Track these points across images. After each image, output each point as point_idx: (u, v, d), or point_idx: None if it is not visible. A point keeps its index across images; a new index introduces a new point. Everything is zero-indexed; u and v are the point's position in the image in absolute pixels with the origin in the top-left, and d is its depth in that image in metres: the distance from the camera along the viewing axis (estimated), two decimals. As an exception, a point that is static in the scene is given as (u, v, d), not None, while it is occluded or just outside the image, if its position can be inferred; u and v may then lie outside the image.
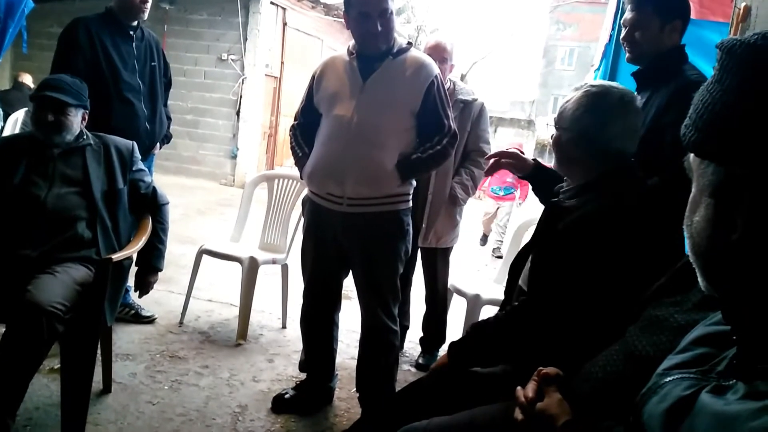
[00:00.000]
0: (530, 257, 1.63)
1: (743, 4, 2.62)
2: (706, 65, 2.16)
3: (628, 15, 2.11)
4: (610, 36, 4.35)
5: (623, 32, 2.14)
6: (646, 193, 1.56)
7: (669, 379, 0.67)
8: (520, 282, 1.66)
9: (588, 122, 1.52)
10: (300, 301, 2.49)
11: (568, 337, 1.38)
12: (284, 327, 3.41)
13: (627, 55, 2.16)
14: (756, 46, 0.54)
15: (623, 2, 3.43)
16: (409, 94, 2.21)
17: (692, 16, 2.21)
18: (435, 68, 2.28)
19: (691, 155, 0.63)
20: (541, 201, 1.90)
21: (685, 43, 2.16)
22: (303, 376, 2.60)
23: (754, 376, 0.54)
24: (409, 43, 2.33)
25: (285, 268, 3.37)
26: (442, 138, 2.24)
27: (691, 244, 0.63)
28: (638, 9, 2.07)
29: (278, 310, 3.47)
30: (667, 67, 2.07)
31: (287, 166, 9.50)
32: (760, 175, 0.53)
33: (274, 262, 3.32)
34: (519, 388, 1.24)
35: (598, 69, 5.02)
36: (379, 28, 2.15)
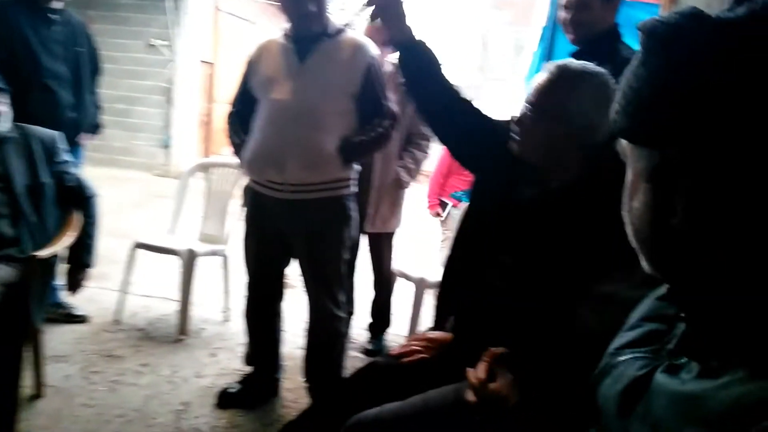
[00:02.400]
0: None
1: (672, -15, 2.68)
2: (637, 46, 2.21)
3: None
4: (548, 17, 4.41)
5: (565, 13, 2.14)
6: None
7: (621, 359, 0.66)
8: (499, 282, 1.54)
9: (590, 116, 1.36)
10: (242, 292, 2.42)
11: (522, 314, 1.37)
12: (227, 320, 3.32)
13: (570, 36, 2.17)
14: (678, 26, 0.53)
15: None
16: (346, 76, 2.16)
17: (624, -4, 2.24)
18: (372, 50, 2.24)
19: (622, 141, 0.61)
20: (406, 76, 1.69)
21: (618, 22, 2.19)
22: (248, 369, 2.53)
23: (706, 354, 0.54)
24: (346, 25, 2.27)
25: (225, 260, 3.28)
26: (382, 120, 2.21)
27: (632, 231, 0.62)
28: None
29: (220, 303, 3.38)
30: (605, 46, 2.10)
31: (224, 154, 9.26)
32: (694, 156, 0.52)
33: (213, 253, 3.22)
34: (469, 369, 1.23)
35: (536, 52, 5.09)
36: (313, 9, 2.08)
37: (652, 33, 0.55)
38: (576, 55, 2.15)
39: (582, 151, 1.43)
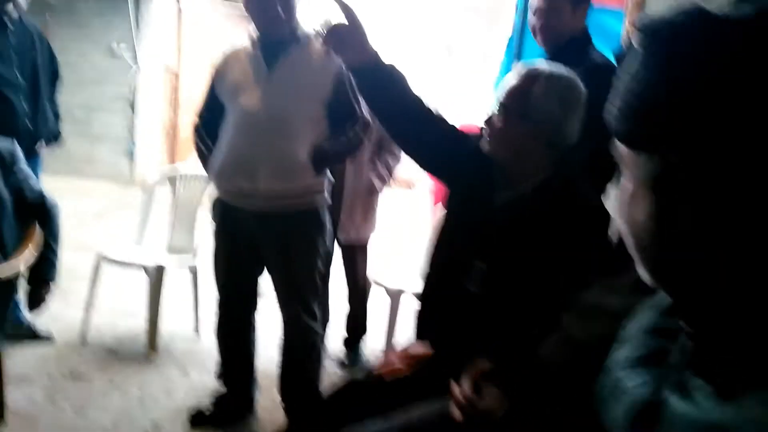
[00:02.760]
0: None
1: (639, -10, 2.71)
2: (603, 50, 2.21)
3: (540, 2, 2.11)
4: (514, 26, 4.43)
5: (535, 19, 2.13)
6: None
7: (625, 376, 0.63)
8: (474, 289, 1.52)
9: (556, 115, 1.42)
10: (213, 306, 2.34)
11: (506, 325, 1.34)
12: (198, 335, 3.22)
13: (539, 41, 2.16)
14: (682, 25, 0.50)
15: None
16: (317, 82, 2.12)
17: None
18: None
19: (619, 146, 0.58)
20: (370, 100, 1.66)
21: (587, 26, 2.19)
22: (222, 386, 2.45)
23: (722, 375, 0.51)
24: (315, 30, 2.22)
25: (195, 272, 3.18)
26: (354, 126, 2.17)
27: (632, 241, 0.58)
28: None
29: (190, 318, 3.28)
30: (576, 50, 2.09)
31: (190, 163, 9.09)
32: (700, 162, 0.49)
33: (182, 266, 3.13)
34: (454, 384, 1.19)
35: (503, 60, 5.11)
36: (281, 13, 2.03)
37: (655, 33, 0.52)
38: (547, 60, 2.15)
39: (550, 151, 1.46)
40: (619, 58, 2.28)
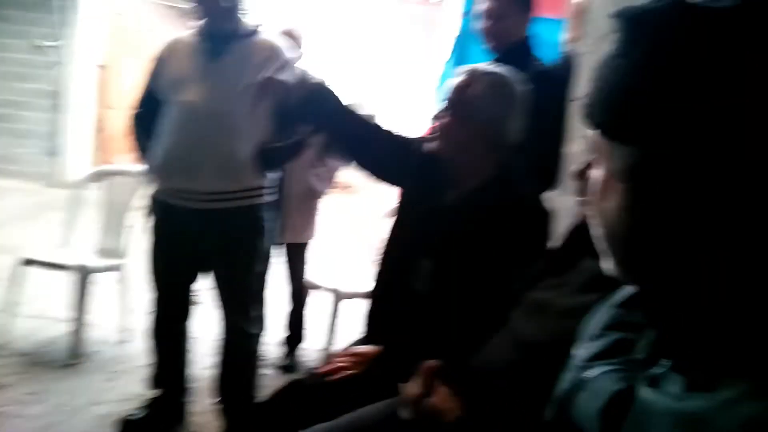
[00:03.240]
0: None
1: (579, 0, 2.79)
2: (543, 57, 2.27)
3: (486, 5, 2.14)
4: (460, 29, 4.49)
5: (482, 23, 2.16)
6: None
7: (594, 372, 0.62)
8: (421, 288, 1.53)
9: (498, 112, 1.48)
10: (143, 310, 2.24)
11: (453, 326, 1.33)
12: (125, 341, 3.07)
13: (485, 45, 2.19)
14: (664, 15, 0.50)
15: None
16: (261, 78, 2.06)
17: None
18: (288, 52, 2.15)
19: (595, 137, 0.57)
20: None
21: (532, 34, 2.24)
22: (152, 393, 2.33)
23: (689, 365, 0.50)
24: (258, 26, 2.17)
25: (123, 276, 3.04)
26: (299, 127, 2.11)
27: (603, 232, 0.57)
28: None
29: (117, 323, 3.12)
30: (520, 57, 2.13)
31: (121, 162, 8.74)
32: (678, 154, 0.48)
33: (110, 268, 2.98)
34: (404, 384, 1.16)
35: (448, 62, 5.17)
36: (224, 5, 1.98)
37: (637, 22, 0.51)
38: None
39: (494, 150, 1.51)
40: (559, 65, 2.34)
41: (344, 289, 2.82)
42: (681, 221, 0.49)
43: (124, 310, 3.08)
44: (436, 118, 1.53)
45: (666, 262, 0.52)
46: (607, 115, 0.53)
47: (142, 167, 2.19)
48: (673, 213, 0.50)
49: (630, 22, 0.52)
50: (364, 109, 1.76)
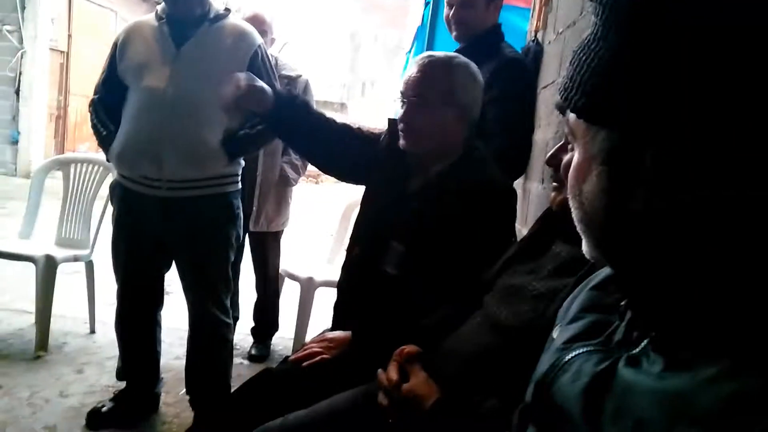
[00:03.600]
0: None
1: (546, -11, 2.81)
2: (512, 45, 2.29)
3: None
4: (423, 18, 4.49)
5: (450, 11, 2.16)
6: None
7: (574, 354, 0.63)
8: (392, 271, 1.53)
9: (472, 96, 1.51)
10: (111, 301, 2.19)
11: (425, 308, 1.34)
12: (93, 332, 3.02)
13: (454, 33, 2.19)
14: None
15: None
16: (230, 63, 2.01)
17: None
18: (258, 37, 2.12)
19: (573, 121, 0.57)
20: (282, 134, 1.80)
21: (501, 22, 2.25)
22: (122, 384, 2.30)
23: (668, 344, 0.51)
24: (227, 9, 2.13)
25: (90, 266, 2.98)
26: (270, 113, 2.09)
27: (580, 215, 0.58)
28: None
29: (84, 314, 3.06)
30: (489, 44, 2.14)
31: (81, 150, 8.51)
32: (658, 137, 0.48)
33: (75, 259, 2.92)
34: (380, 370, 1.17)
35: (409, 52, 5.16)
36: None
37: (615, 5, 0.52)
38: (460, 53, 2.18)
39: (468, 131, 1.53)
40: (526, 53, 2.36)
41: (318, 277, 2.81)
42: (658, 202, 0.50)
43: (91, 300, 3.02)
44: (403, 114, 1.52)
45: (644, 243, 0.52)
46: (586, 98, 0.53)
47: (104, 155, 2.14)
48: (651, 194, 0.50)
49: (609, 4, 0.52)
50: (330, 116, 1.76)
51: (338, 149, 1.70)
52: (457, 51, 2.19)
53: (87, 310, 3.04)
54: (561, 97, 0.57)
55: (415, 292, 1.43)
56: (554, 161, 0.92)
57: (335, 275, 2.67)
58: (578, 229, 0.60)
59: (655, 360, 0.52)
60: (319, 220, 6.98)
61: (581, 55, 0.54)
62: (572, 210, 0.59)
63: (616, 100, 0.51)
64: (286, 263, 3.05)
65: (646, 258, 0.53)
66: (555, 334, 0.71)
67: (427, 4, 4.24)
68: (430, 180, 1.51)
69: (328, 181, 12.05)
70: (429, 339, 1.21)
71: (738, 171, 0.46)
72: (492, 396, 0.98)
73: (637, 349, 0.55)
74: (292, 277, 2.91)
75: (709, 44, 0.46)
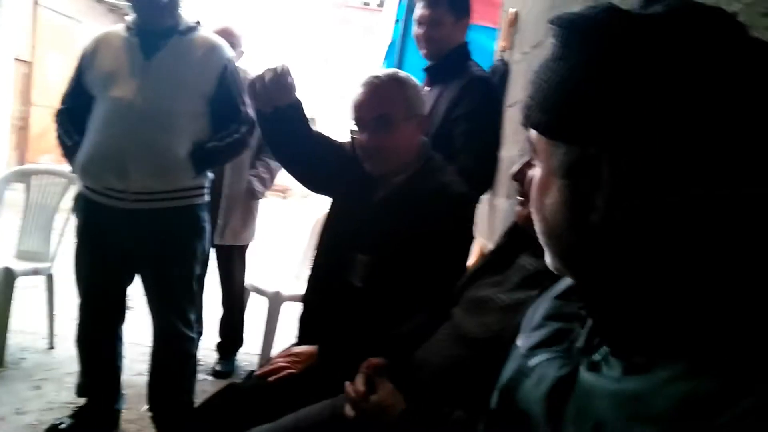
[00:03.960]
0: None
1: (512, 10, 2.88)
2: (479, 64, 2.34)
3: (423, 12, 2.17)
4: (393, 36, 4.54)
5: (419, 29, 2.20)
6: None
7: (537, 360, 0.65)
8: (357, 283, 1.54)
9: (422, 103, 1.56)
10: (72, 315, 2.14)
11: (394, 324, 1.35)
12: (52, 347, 2.94)
13: (423, 51, 2.23)
14: (599, 20, 0.53)
15: (407, 2, 3.59)
16: (200, 76, 2.02)
17: (467, 19, 2.35)
18: (228, 51, 2.12)
19: (534, 137, 0.60)
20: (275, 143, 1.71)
21: (469, 42, 2.30)
22: (81, 401, 2.24)
23: (627, 351, 0.53)
24: (198, 22, 2.13)
25: (50, 279, 2.91)
26: (239, 126, 2.08)
27: (543, 228, 0.60)
28: (434, 6, 2.14)
29: (43, 329, 2.98)
30: (457, 62, 2.18)
31: (43, 162, 8.31)
32: (615, 152, 0.51)
33: (35, 272, 2.85)
34: (347, 382, 1.17)
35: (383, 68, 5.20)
36: (164, 0, 1.92)
37: (572, 27, 0.54)
38: (429, 70, 2.22)
39: (415, 144, 1.54)
40: (494, 72, 2.42)
41: (285, 292, 2.79)
42: (616, 214, 0.52)
43: (51, 315, 2.94)
44: (361, 140, 1.52)
45: (602, 253, 0.55)
46: (546, 115, 0.55)
47: (68, 166, 2.10)
48: (609, 206, 0.53)
49: (567, 27, 0.55)
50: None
51: (316, 159, 1.67)
52: (425, 69, 2.24)
53: (46, 324, 2.96)
54: (523, 115, 0.59)
55: (381, 304, 1.44)
56: (519, 176, 0.95)
57: (303, 290, 2.67)
58: (541, 241, 0.62)
59: (614, 365, 0.54)
60: (286, 235, 6.93)
61: (541, 74, 0.57)
62: (535, 223, 0.62)
63: (574, 117, 0.53)
64: (252, 278, 3.02)
65: (605, 268, 0.55)
66: (519, 341, 0.73)
67: (397, 21, 4.29)
68: (392, 190, 1.53)
69: (296, 195, 12.02)
70: (397, 351, 1.22)
71: (689, 178, 0.49)
72: (459, 407, 0.99)
73: (598, 355, 0.57)
74: (259, 292, 2.88)
75: (659, 65, 0.49)
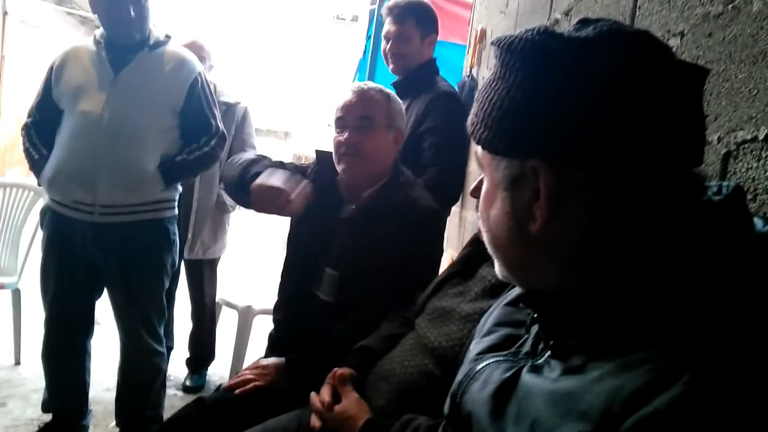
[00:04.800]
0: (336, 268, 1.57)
1: (480, 27, 2.95)
2: (448, 80, 2.39)
3: (390, 28, 2.22)
4: (364, 50, 4.59)
5: (387, 45, 2.24)
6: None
7: (485, 363, 0.68)
8: (325, 297, 1.56)
9: (402, 117, 1.61)
10: (38, 331, 2.11)
11: (361, 335, 1.36)
12: (18, 363, 2.89)
13: (390, 66, 2.27)
14: (535, 43, 0.56)
15: (377, 17, 3.65)
16: (169, 90, 2.03)
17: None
18: (198, 64, 2.13)
19: (480, 152, 0.63)
20: None
21: (436, 57, 2.34)
22: (47, 417, 2.20)
23: (566, 352, 0.56)
24: (168, 36, 2.14)
25: (16, 294, 2.86)
26: (209, 139, 2.09)
27: (489, 238, 0.64)
28: (401, 22, 2.19)
29: (9, 344, 2.93)
30: (425, 77, 2.23)
31: (10, 175, 8.17)
32: (552, 165, 0.55)
33: (1, 287, 2.80)
34: (313, 393, 1.19)
35: (352, 82, 5.26)
36: (132, 14, 1.93)
37: (509, 49, 0.58)
38: (397, 85, 2.26)
39: (384, 159, 1.58)
40: (462, 87, 2.48)
41: (256, 305, 2.78)
42: (552, 223, 0.56)
43: (16, 330, 2.89)
44: (346, 141, 1.54)
45: (541, 262, 0.58)
46: (488, 131, 0.59)
47: (35, 179, 2.09)
48: (545, 216, 0.56)
49: (506, 49, 0.58)
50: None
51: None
52: (393, 84, 2.27)
53: (12, 340, 2.90)
54: (469, 132, 0.62)
55: (349, 317, 1.46)
56: (476, 193, 0.98)
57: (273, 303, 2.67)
58: (489, 251, 0.65)
59: (555, 367, 0.57)
60: (258, 248, 6.91)
61: (484, 93, 0.60)
62: (483, 234, 0.65)
63: (513, 133, 0.56)
64: (223, 291, 3.01)
65: (545, 275, 0.58)
66: (471, 346, 0.76)
67: (368, 37, 4.35)
68: (360, 205, 1.55)
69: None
70: (362, 361, 1.24)
71: (620, 185, 0.53)
72: (422, 415, 1.01)
73: (542, 359, 0.60)
74: (230, 306, 2.87)
75: (589, 83, 0.53)
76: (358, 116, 1.54)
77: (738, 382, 0.44)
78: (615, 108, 0.52)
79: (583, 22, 0.58)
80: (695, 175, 0.57)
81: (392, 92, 1.61)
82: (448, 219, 2.47)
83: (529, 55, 0.56)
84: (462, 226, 2.60)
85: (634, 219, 0.53)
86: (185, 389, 2.86)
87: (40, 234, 2.17)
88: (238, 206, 2.94)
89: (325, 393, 1.16)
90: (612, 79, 0.52)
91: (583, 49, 0.54)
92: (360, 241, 1.49)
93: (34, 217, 2.49)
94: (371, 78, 3.84)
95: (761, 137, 0.89)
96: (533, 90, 0.55)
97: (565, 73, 0.54)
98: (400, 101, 1.63)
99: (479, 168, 0.67)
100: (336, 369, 1.19)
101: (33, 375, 2.65)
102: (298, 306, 1.61)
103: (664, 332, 0.49)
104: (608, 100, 0.52)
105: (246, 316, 2.76)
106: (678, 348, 0.47)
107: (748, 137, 0.92)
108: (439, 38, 2.38)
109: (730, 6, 0.99)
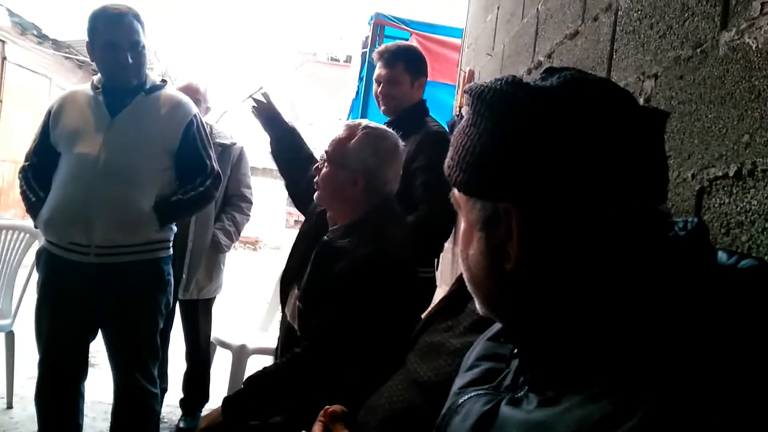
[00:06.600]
0: (298, 297, 1.59)
1: (468, 69, 3.03)
2: (438, 119, 2.45)
3: (381, 71, 2.28)
4: (357, 91, 4.70)
5: (378, 87, 2.31)
6: (412, 231, 1.68)
7: (466, 397, 0.70)
8: (289, 319, 1.61)
9: (372, 163, 1.54)
10: (32, 374, 2.10)
11: (350, 375, 1.38)
12: (10, 407, 2.85)
13: (382, 107, 2.33)
14: (503, 92, 0.60)
15: (368, 60, 3.75)
16: (165, 132, 2.07)
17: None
18: (193, 107, 2.18)
19: (456, 194, 0.67)
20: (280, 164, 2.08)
21: (426, 98, 2.41)
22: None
23: (544, 385, 0.59)
24: (164, 81, 2.20)
25: (10, 337, 2.85)
26: (204, 179, 2.13)
27: (468, 276, 0.67)
28: (391, 66, 2.26)
29: (2, 387, 2.90)
30: (415, 118, 2.29)
31: (7, 217, 8.18)
32: (524, 207, 0.58)
33: (-6, 330, 2.80)
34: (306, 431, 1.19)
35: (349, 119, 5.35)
36: (130, 61, 1.99)
37: (480, 97, 0.62)
38: (388, 125, 2.30)
39: (370, 196, 1.57)
40: (452, 126, 2.55)
41: (251, 344, 2.78)
42: (527, 263, 0.59)
43: (10, 373, 2.87)
44: (317, 168, 1.62)
45: (516, 299, 0.61)
46: (463, 175, 0.62)
47: (31, 221, 2.11)
48: (519, 255, 0.59)
49: (476, 97, 0.62)
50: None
51: (306, 183, 1.81)
52: (385, 123, 2.33)
53: (5, 383, 2.88)
54: (446, 175, 0.66)
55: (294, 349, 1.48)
56: None
57: (269, 342, 2.66)
58: (469, 289, 0.68)
59: (532, 399, 0.59)
60: (255, 287, 6.89)
61: (458, 138, 0.64)
62: (463, 272, 0.68)
63: (486, 176, 0.60)
64: (217, 331, 3.00)
65: (521, 311, 0.61)
66: (456, 380, 0.78)
67: (361, 79, 4.47)
68: (324, 240, 1.56)
69: (266, 247, 11.96)
70: (353, 397, 1.25)
71: (588, 227, 0.56)
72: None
73: (521, 392, 0.63)
74: (224, 345, 2.86)
75: (555, 130, 0.57)
76: (325, 152, 1.61)
77: (693, 413, 0.46)
78: (578, 152, 0.56)
79: (549, 71, 0.62)
80: (660, 212, 0.61)
81: (367, 135, 1.57)
82: (441, 255, 2.49)
83: (496, 104, 0.60)
84: (455, 261, 2.62)
85: (599, 256, 0.56)
86: (179, 431, 2.83)
87: (35, 276, 2.18)
88: (232, 246, 2.97)
89: (317, 429, 1.17)
90: (574, 125, 0.56)
91: (547, 98, 0.58)
92: (312, 273, 1.52)
93: (30, 259, 2.51)
94: (363, 117, 3.92)
95: (731, 174, 0.93)
96: (501, 137, 0.59)
97: (530, 121, 0.57)
98: (374, 147, 1.56)
99: (456, 209, 0.70)
100: (327, 406, 1.20)
101: (25, 418, 2.63)
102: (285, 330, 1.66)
103: (627, 364, 0.52)
104: (571, 146, 0.56)
105: (240, 356, 2.75)
106: (639, 379, 0.50)
107: (720, 174, 0.96)
108: (429, 79, 2.45)
109: (699, 50, 1.05)
